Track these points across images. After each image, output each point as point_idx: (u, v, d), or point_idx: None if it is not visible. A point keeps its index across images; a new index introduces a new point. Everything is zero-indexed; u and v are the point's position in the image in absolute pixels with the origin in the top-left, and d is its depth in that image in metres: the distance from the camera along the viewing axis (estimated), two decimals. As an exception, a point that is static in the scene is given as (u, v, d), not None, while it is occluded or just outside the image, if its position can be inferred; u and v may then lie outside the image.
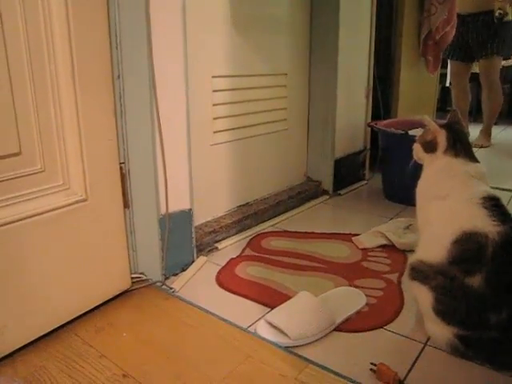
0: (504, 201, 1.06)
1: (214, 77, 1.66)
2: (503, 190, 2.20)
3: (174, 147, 1.36)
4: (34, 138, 1.03)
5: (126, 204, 1.29)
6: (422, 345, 1.09)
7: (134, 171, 1.30)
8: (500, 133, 3.98)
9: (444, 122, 1.21)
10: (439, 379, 0.98)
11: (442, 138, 1.14)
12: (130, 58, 1.23)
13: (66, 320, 1.15)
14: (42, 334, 1.09)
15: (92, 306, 1.21)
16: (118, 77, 1.22)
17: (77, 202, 1.13)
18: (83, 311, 1.19)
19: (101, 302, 1.23)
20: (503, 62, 4.06)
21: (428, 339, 1.10)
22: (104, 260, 1.23)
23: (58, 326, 1.13)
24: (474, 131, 3.27)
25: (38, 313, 1.08)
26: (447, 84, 4.50)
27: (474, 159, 1.13)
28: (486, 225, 0.98)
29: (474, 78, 3.68)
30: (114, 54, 1.20)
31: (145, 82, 1.24)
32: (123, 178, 1.27)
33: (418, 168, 1.22)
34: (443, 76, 4.37)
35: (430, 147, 1.17)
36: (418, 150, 1.22)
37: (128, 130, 1.27)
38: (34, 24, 1.00)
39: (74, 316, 1.16)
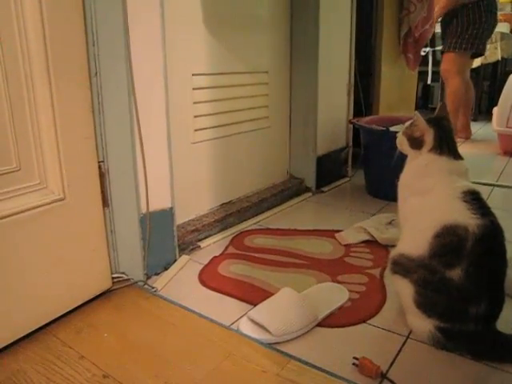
0: (483, 194, 1.06)
1: (194, 75, 1.64)
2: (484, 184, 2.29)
3: (154, 145, 1.35)
4: (9, 136, 1.01)
5: (106, 203, 1.28)
6: (404, 338, 1.09)
7: (113, 170, 1.28)
8: (480, 129, 4.02)
9: (433, 116, 1.19)
10: (421, 371, 0.99)
11: (429, 136, 1.12)
12: (108, 55, 1.21)
13: (45, 322, 1.12)
14: (19, 336, 1.06)
15: (72, 307, 1.19)
16: (96, 74, 1.21)
17: (54, 201, 1.11)
18: (63, 312, 1.17)
19: (81, 303, 1.22)
20: (482, 60, 4.10)
21: (410, 332, 1.10)
22: (84, 260, 1.21)
23: (37, 328, 1.10)
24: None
25: (16, 315, 1.05)
26: (429, 82, 4.53)
27: (457, 156, 1.12)
28: (466, 218, 0.99)
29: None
30: (90, 51, 1.18)
31: (123, 80, 1.22)
32: (102, 176, 1.25)
33: (400, 163, 1.21)
34: (424, 73, 4.40)
35: (416, 144, 1.15)
36: (402, 142, 1.19)
37: (107, 128, 1.26)
38: (7, 22, 0.97)
39: (53, 318, 1.14)
